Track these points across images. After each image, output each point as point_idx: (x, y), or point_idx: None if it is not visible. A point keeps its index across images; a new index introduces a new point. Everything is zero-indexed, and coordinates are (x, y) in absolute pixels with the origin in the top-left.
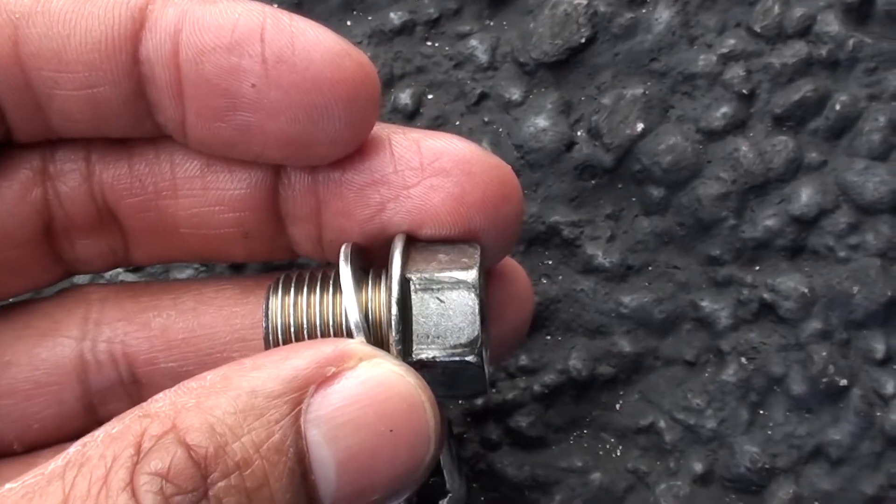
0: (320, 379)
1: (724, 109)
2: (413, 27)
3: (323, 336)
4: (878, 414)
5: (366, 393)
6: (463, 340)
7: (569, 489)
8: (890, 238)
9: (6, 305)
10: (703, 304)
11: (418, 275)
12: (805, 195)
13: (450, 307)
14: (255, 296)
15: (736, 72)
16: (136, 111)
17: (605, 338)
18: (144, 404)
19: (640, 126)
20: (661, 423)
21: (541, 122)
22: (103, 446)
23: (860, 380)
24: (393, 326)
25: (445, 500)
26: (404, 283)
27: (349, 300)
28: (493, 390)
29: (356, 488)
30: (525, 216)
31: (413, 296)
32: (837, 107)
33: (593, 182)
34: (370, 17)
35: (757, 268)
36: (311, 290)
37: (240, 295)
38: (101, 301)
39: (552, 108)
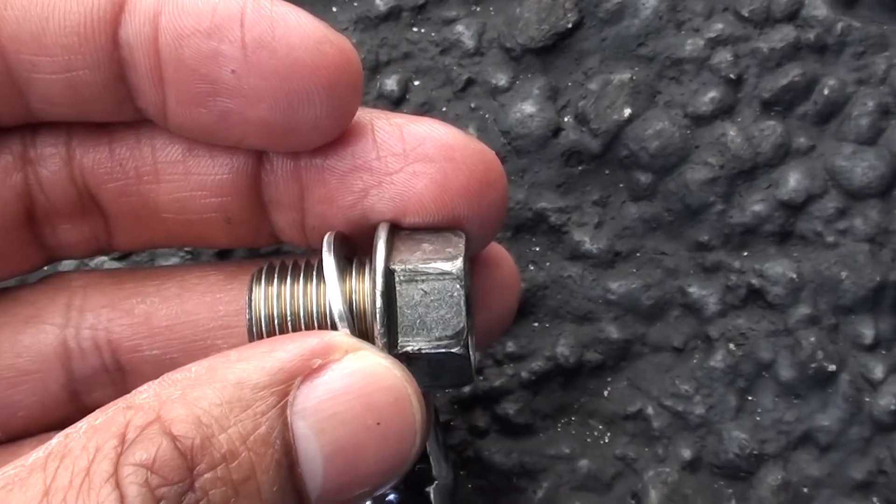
0: (306, 371)
1: (711, 94)
2: (399, 13)
3: (307, 327)
4: (867, 399)
5: (352, 385)
6: (449, 332)
7: (556, 476)
8: (878, 223)
9: None
10: (691, 290)
11: (402, 266)
12: (793, 180)
13: (435, 298)
14: (238, 282)
15: (724, 56)
16: (116, 95)
17: (592, 324)
18: (128, 396)
19: (627, 111)
20: (649, 410)
21: (527, 108)
22: (86, 437)
23: (848, 365)
24: (378, 319)
25: (432, 487)
26: (388, 275)
27: (333, 291)
28: (481, 377)
29: (343, 481)
30: (512, 203)
31: (398, 287)
32: (825, 91)
33: (580, 168)
34: (356, 3)
35: (745, 253)
36: (294, 280)
37: (224, 281)
38: (83, 288)
39: (539, 94)
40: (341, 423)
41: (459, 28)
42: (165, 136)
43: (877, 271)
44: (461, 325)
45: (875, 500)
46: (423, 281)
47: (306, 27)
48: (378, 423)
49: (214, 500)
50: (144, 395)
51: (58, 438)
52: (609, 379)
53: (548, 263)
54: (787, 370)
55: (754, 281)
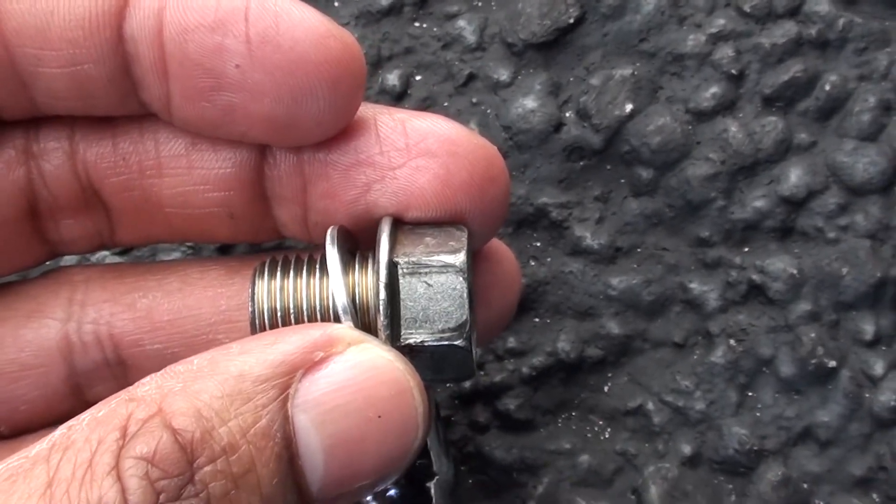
0: (308, 364)
1: (713, 90)
2: (401, 8)
3: (309, 320)
4: (867, 395)
5: (354, 378)
6: (451, 325)
7: (557, 471)
8: (879, 219)
9: None
10: (692, 285)
11: (406, 258)
12: (794, 176)
13: (438, 291)
14: (240, 276)
15: (725, 52)
16: (120, 89)
17: (593, 320)
18: (131, 388)
19: (628, 107)
20: (650, 406)
21: (529, 103)
22: (88, 430)
23: (849, 361)
24: (381, 311)
25: (433, 482)
26: (392, 267)
27: (336, 284)
28: (482, 373)
29: (344, 474)
30: (513, 198)
31: (401, 280)
32: (827, 87)
33: (582, 163)
34: None
35: (746, 249)
36: (297, 273)
37: (225, 276)
38: (85, 282)
39: (540, 89)
40: (343, 416)
41: (461, 23)
42: (169, 130)
43: (877, 267)
44: (464, 317)
45: (875, 496)
46: (426, 274)
47: (310, 22)
48: (380, 417)
49: (214, 493)
50: (147, 387)
51: (61, 430)
52: (610, 374)
53: (549, 259)
54: (788, 366)
55: (755, 277)
